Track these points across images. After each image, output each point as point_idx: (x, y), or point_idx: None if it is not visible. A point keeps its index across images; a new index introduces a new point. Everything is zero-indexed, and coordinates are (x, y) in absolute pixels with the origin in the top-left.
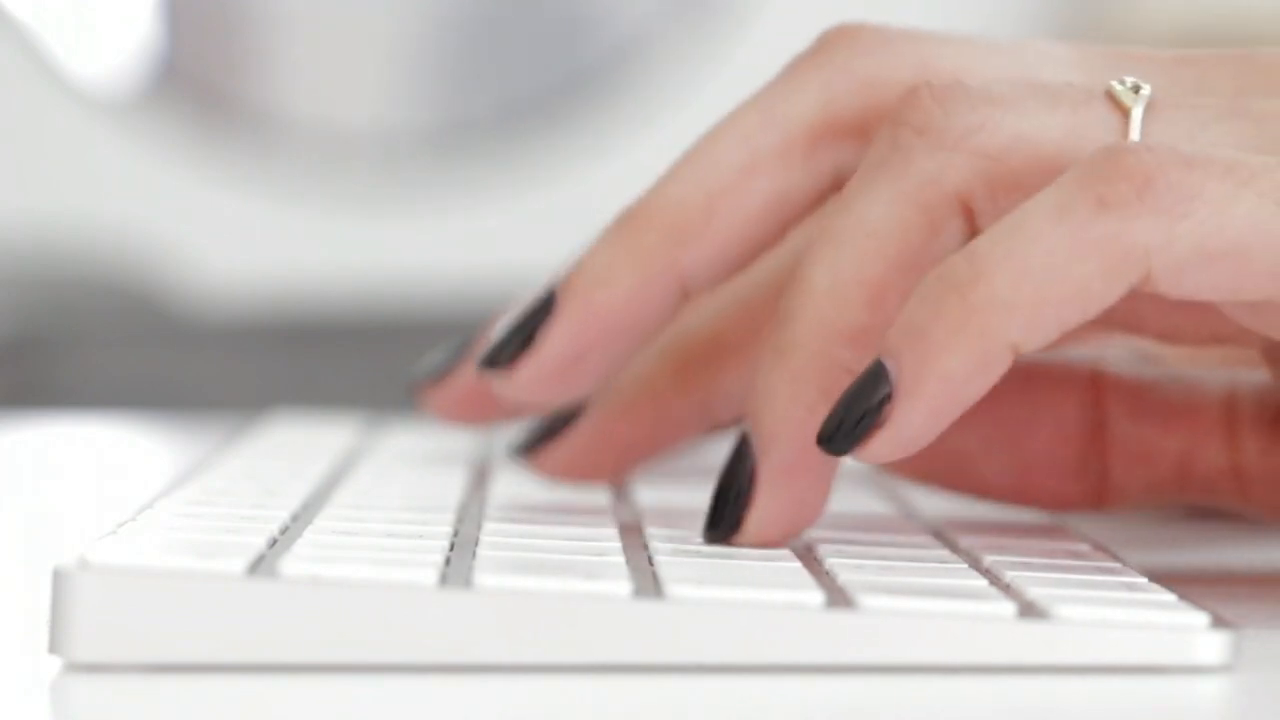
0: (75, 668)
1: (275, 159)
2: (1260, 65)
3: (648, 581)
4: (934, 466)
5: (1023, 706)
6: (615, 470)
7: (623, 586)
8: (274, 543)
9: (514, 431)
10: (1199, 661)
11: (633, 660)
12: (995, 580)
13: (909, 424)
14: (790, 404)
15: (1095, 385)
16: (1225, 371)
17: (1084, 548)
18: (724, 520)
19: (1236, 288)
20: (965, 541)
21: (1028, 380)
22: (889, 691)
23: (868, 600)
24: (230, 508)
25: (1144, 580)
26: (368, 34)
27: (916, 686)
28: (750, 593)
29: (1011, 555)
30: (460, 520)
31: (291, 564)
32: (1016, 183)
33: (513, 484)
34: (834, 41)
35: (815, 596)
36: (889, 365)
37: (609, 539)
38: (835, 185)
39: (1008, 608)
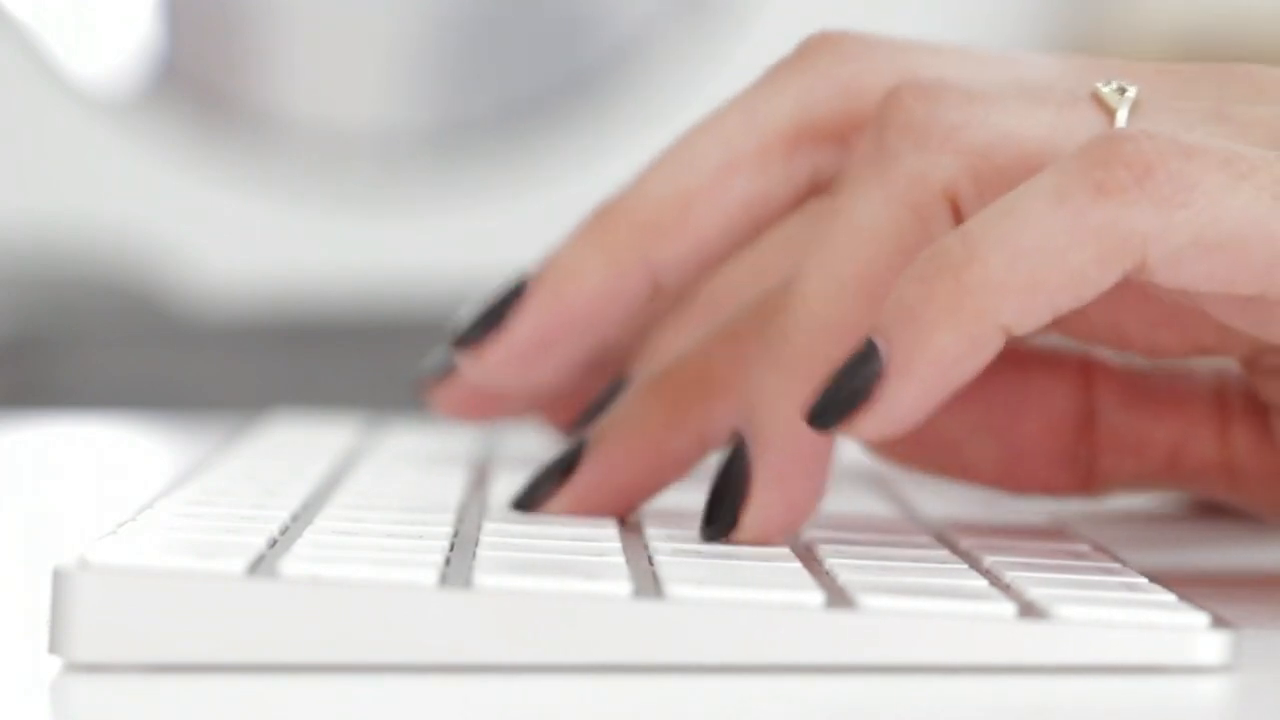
0: (75, 668)
1: (275, 159)
2: (1240, 75)
3: (648, 581)
4: (924, 452)
5: (1023, 706)
6: (618, 513)
7: (622, 586)
8: (274, 543)
9: (514, 489)
10: (1199, 661)
11: (633, 660)
12: (995, 580)
13: (898, 402)
14: (783, 401)
15: (1086, 373)
16: (1216, 362)
17: (1084, 548)
18: (721, 518)
19: (1230, 280)
20: (965, 542)
21: (1018, 367)
22: (889, 691)
23: (868, 600)
24: (230, 508)
25: (1144, 580)
26: (368, 34)
27: (916, 686)
28: (750, 593)
29: (1012, 555)
30: (460, 520)
31: (291, 564)
32: (1003, 179)
33: (513, 484)
34: (817, 47)
35: (815, 596)
36: (879, 343)
37: (609, 539)
38: (813, 189)
39: (1008, 608)
